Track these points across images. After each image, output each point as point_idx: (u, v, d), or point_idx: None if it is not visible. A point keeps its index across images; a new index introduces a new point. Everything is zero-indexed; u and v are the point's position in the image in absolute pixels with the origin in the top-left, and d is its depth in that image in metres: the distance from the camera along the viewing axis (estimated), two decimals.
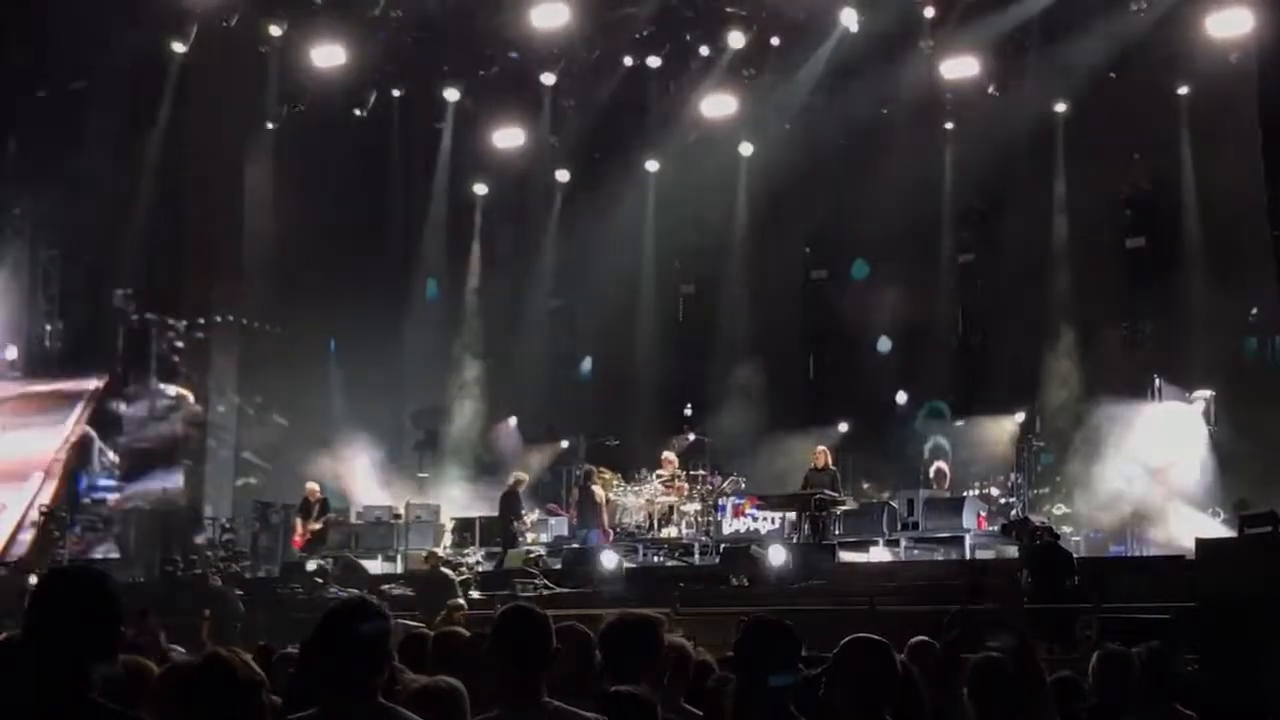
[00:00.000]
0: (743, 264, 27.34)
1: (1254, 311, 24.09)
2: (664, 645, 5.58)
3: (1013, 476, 23.31)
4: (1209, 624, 12.00)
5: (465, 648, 6.27)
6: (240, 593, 19.76)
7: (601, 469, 22.67)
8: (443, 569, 18.39)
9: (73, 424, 26.68)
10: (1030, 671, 5.91)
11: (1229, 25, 22.74)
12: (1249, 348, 24.73)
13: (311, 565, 20.90)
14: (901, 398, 26.19)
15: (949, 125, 26.24)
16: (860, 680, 4.85)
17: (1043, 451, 23.95)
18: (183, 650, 8.97)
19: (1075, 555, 17.22)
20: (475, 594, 18.21)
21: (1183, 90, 24.30)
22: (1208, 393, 22.33)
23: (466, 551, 21.49)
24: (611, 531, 21.63)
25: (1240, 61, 22.89)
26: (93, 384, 26.97)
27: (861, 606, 14.25)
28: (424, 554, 20.12)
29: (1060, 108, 25.27)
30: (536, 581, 18.79)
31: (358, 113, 27.40)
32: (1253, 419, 21.95)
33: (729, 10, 25.51)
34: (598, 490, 21.76)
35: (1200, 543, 15.11)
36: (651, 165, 28.47)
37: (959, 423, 24.97)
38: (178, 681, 4.93)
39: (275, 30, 25.63)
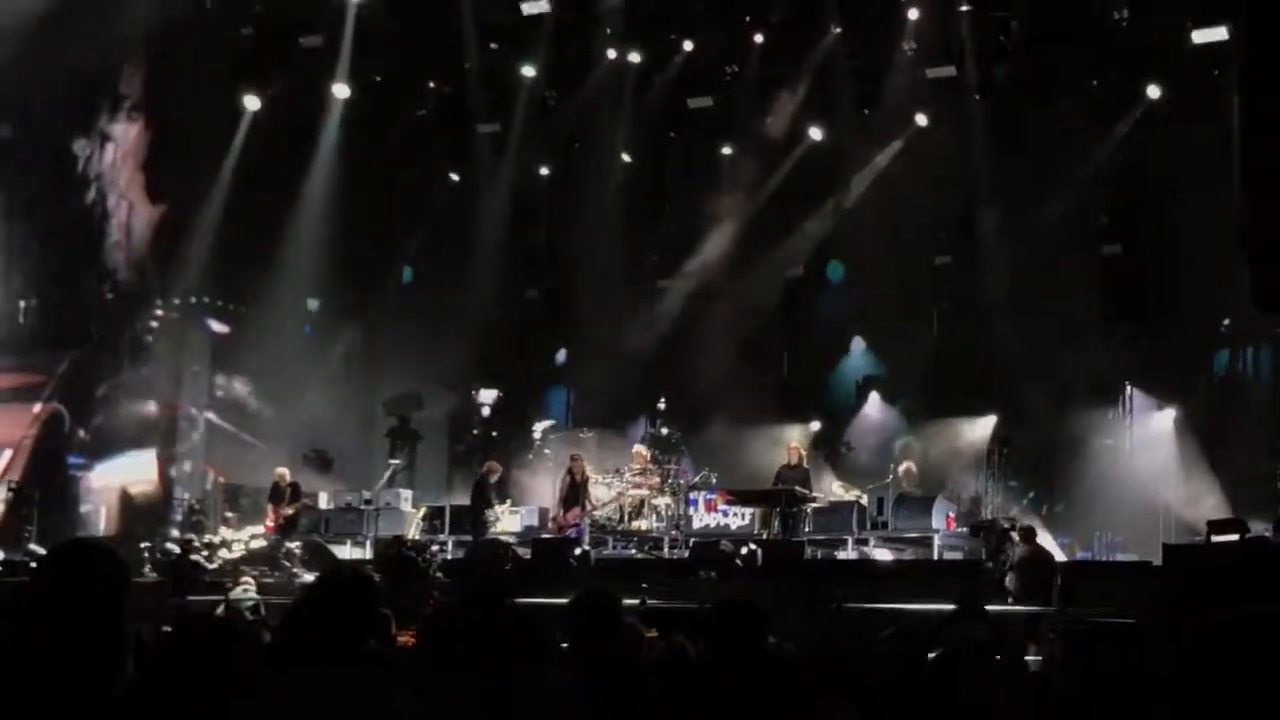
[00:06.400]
0: (721, 262, 27.29)
1: (1225, 323, 24.14)
2: (621, 621, 5.83)
3: (982, 479, 23.41)
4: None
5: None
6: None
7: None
8: (407, 553, 18.37)
9: (44, 402, 26.56)
10: (994, 667, 6.01)
11: (1210, 33, 22.82)
12: (1219, 362, 24.80)
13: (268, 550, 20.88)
14: (874, 398, 26.27)
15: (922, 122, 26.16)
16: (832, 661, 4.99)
17: (1013, 456, 24.02)
18: None
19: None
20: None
21: (1158, 95, 24.23)
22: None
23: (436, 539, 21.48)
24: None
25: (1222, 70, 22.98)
26: (65, 362, 26.84)
27: (829, 604, 14.27)
28: (389, 539, 20.11)
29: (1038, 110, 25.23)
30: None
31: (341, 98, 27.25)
32: (1222, 431, 22.11)
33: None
34: (582, 480, 21.56)
35: (1168, 549, 15.25)
36: (628, 158, 28.38)
37: (930, 423, 25.00)
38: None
39: None
